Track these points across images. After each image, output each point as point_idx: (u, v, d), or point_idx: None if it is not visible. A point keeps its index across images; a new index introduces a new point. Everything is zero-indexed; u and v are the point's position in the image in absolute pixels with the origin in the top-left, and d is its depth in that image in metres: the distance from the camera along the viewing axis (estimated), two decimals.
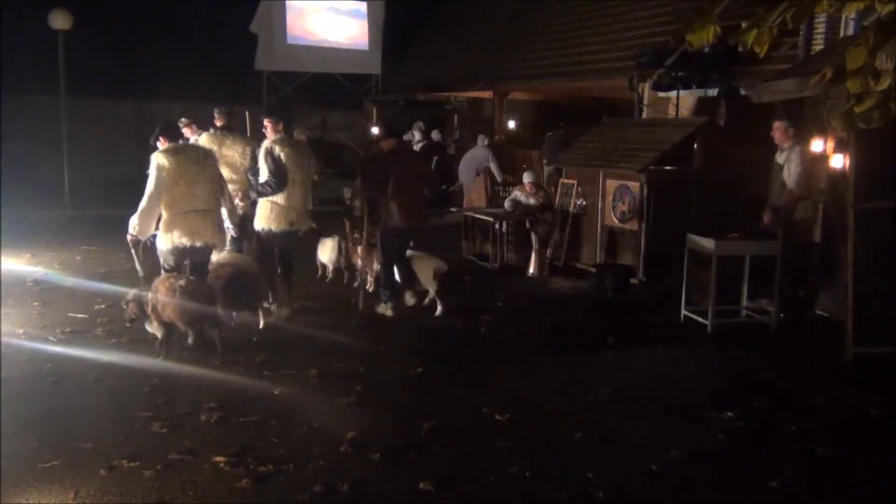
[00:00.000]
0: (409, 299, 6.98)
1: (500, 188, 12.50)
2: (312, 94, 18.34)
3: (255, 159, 6.57)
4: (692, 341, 6.24)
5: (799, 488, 3.80)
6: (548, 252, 9.04)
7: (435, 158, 14.32)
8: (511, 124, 16.93)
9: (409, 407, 4.72)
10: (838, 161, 6.73)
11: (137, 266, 5.77)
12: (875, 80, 3.35)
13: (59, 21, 13.25)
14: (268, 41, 17.57)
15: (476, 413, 4.62)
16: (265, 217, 6.52)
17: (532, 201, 9.28)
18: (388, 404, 4.75)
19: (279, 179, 6.31)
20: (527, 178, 9.51)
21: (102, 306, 6.93)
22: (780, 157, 6.96)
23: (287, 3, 17.77)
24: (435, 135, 14.98)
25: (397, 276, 7.01)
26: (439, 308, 6.87)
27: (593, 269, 8.40)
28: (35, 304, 6.99)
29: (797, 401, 4.93)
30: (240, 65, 17.50)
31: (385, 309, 6.85)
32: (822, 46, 8.45)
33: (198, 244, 5.67)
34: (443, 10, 20.95)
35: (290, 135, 7.35)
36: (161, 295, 5.36)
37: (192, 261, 5.80)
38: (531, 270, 8.80)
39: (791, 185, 6.77)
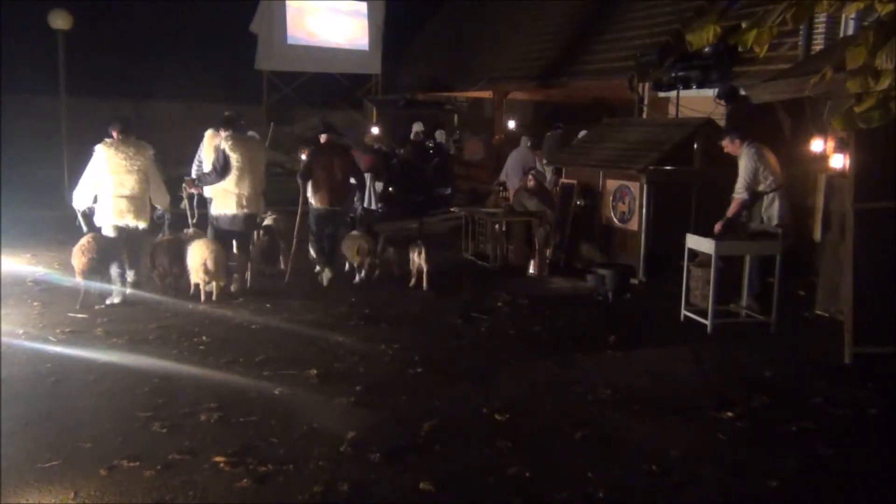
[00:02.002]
0: (326, 276, 8.04)
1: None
2: (312, 94, 18.35)
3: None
4: (692, 341, 6.23)
5: (799, 488, 3.80)
6: (548, 252, 9.04)
7: (435, 160, 14.35)
8: (511, 124, 16.93)
9: (409, 407, 4.72)
10: (838, 161, 6.75)
11: (83, 227, 7.12)
12: (875, 80, 3.35)
13: (59, 21, 13.25)
14: (268, 41, 17.58)
15: (476, 413, 4.62)
16: (220, 203, 7.40)
17: (535, 202, 9.29)
18: (388, 404, 4.75)
19: (219, 169, 7.26)
20: (535, 172, 9.52)
21: (102, 306, 6.93)
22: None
23: (287, 3, 17.79)
24: (439, 135, 14.97)
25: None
26: (357, 277, 8.13)
27: (593, 269, 8.40)
28: (35, 304, 6.99)
29: (797, 401, 4.93)
30: (240, 65, 17.53)
31: (320, 277, 8.05)
32: (822, 46, 8.45)
33: (119, 223, 7.04)
34: (443, 10, 20.96)
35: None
36: (76, 249, 6.88)
37: (126, 234, 7.12)
38: (531, 270, 8.80)
39: (735, 191, 7.00)
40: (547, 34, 15.15)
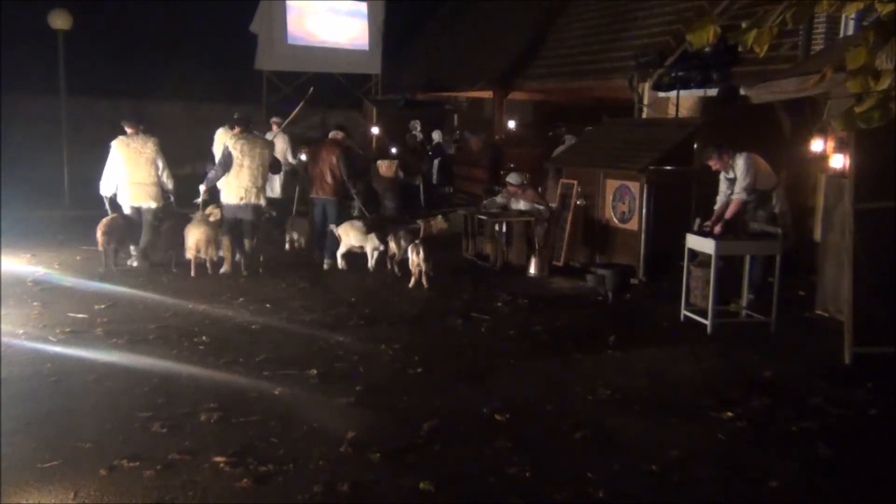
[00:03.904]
0: (325, 263, 8.91)
1: None
2: (312, 94, 18.31)
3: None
4: (692, 341, 6.23)
5: (799, 488, 3.80)
6: (548, 252, 9.03)
7: (436, 161, 14.35)
8: (511, 124, 16.90)
9: (409, 407, 4.72)
10: (838, 161, 6.76)
11: (108, 210, 8.54)
12: (875, 80, 3.34)
13: (59, 21, 13.23)
14: (268, 41, 17.55)
15: (476, 413, 4.62)
16: (224, 193, 8.38)
17: (522, 205, 9.26)
18: (388, 404, 4.75)
19: (223, 165, 8.25)
20: (512, 178, 9.45)
21: (102, 306, 6.94)
22: (728, 175, 7.18)
23: (287, 3, 17.75)
24: (436, 135, 14.96)
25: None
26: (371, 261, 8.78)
27: (593, 269, 8.40)
28: (35, 304, 6.99)
29: (797, 401, 4.93)
30: (240, 65, 17.48)
31: (324, 263, 8.92)
32: (822, 46, 8.45)
33: (135, 205, 8.50)
34: (443, 10, 20.94)
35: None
36: (99, 227, 8.28)
37: (141, 214, 8.56)
38: (531, 270, 8.80)
39: (735, 193, 7.03)
40: (547, 34, 15.13)
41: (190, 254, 8.15)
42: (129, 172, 8.39)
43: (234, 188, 8.27)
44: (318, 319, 6.70)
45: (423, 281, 7.94)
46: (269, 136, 10.27)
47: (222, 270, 8.29)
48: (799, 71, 6.98)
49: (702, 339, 6.31)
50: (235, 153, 8.19)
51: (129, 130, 8.48)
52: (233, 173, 8.22)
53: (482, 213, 9.52)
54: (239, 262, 8.45)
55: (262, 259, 8.67)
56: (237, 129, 8.38)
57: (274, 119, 11.18)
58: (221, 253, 8.37)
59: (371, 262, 8.73)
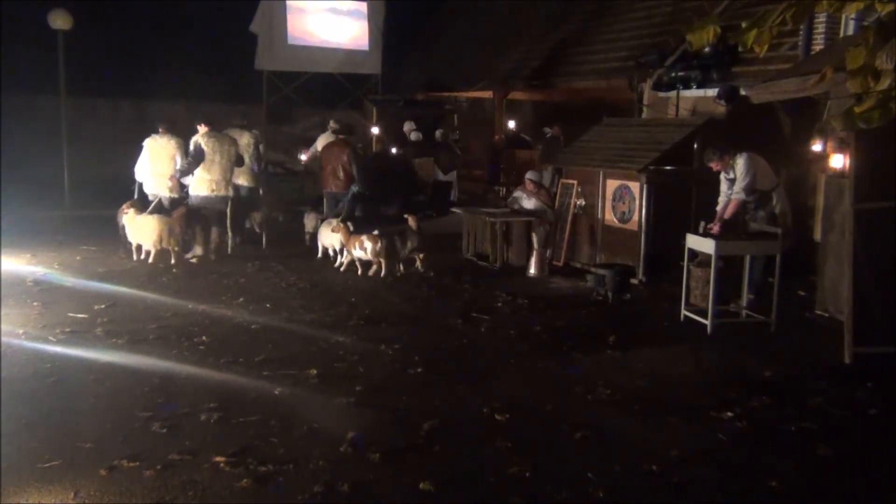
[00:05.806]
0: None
1: None
2: (312, 94, 18.31)
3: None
4: (692, 341, 6.23)
5: (799, 488, 3.80)
6: (548, 252, 9.03)
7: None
8: (511, 124, 16.91)
9: (409, 407, 4.72)
10: (838, 161, 6.76)
11: (135, 194, 9.68)
12: (875, 80, 3.35)
13: (59, 21, 13.23)
14: (268, 41, 17.53)
15: (476, 413, 4.62)
16: (195, 185, 9.17)
17: (533, 202, 9.26)
18: (388, 404, 4.75)
19: (193, 160, 9.04)
20: (532, 175, 9.49)
21: (102, 306, 6.94)
22: (728, 175, 7.17)
23: (287, 3, 17.74)
24: (437, 135, 14.95)
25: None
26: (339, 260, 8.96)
27: (593, 269, 8.40)
28: (35, 304, 6.99)
29: (797, 401, 4.93)
30: (240, 65, 17.48)
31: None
32: (822, 46, 8.46)
33: (155, 193, 9.40)
34: (443, 10, 20.95)
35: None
36: (120, 212, 9.28)
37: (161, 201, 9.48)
38: (531, 270, 8.80)
39: (734, 192, 7.04)
40: (547, 34, 15.14)
41: (153, 245, 8.86)
42: (153, 165, 9.46)
43: (206, 181, 9.10)
44: (318, 319, 6.71)
45: (381, 273, 8.34)
46: (322, 137, 11.33)
47: (192, 256, 9.10)
48: (799, 71, 6.99)
49: (702, 339, 6.31)
50: (207, 150, 9.02)
51: (160, 130, 9.63)
52: (204, 168, 9.04)
53: (486, 212, 9.52)
54: (212, 248, 9.20)
55: (229, 245, 9.45)
56: (205, 128, 9.14)
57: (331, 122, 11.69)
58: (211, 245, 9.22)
59: (340, 260, 8.88)
